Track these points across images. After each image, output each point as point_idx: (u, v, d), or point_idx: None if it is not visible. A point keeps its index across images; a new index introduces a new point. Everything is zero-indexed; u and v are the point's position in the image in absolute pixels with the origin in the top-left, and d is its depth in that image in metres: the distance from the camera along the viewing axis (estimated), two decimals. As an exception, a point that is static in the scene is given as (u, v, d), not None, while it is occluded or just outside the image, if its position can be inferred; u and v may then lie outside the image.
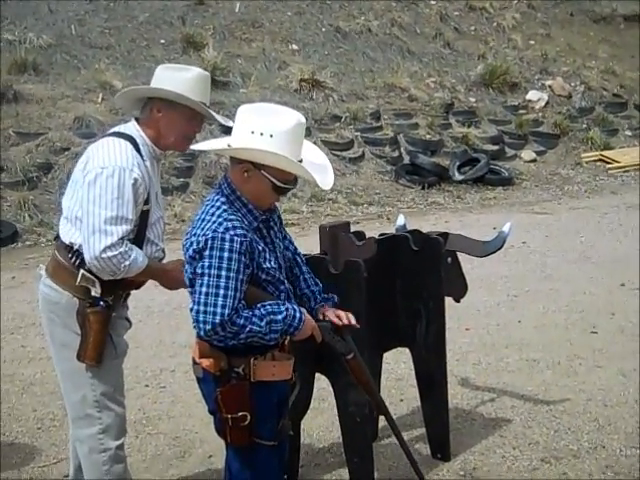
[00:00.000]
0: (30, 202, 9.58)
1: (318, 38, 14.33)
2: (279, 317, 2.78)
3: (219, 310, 2.70)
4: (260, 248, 2.81)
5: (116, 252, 3.11)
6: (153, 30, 13.25)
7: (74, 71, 11.89)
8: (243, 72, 12.98)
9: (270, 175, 2.75)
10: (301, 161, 2.79)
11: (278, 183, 2.77)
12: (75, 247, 3.25)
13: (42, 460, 4.33)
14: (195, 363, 2.90)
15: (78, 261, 3.24)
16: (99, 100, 11.27)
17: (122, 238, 3.13)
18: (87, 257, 3.14)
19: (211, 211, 2.78)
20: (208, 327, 2.71)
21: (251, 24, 14.03)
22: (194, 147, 3.16)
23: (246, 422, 2.79)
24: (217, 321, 2.70)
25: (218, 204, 2.80)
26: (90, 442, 3.37)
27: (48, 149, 10.28)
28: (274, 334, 2.79)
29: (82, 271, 3.22)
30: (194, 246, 2.74)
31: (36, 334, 5.97)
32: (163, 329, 6.28)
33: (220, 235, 2.71)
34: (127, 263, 3.14)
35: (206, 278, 2.71)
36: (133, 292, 3.48)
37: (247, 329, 2.73)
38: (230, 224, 2.73)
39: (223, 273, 2.70)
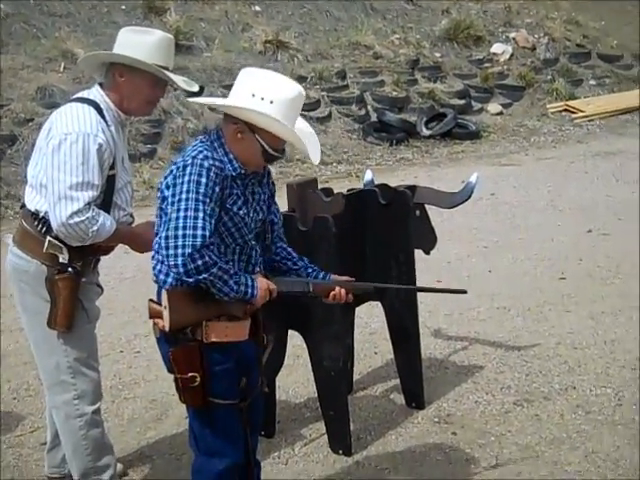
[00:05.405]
0: (-5, 175, 9.48)
1: (280, -2, 14.20)
2: (232, 281, 2.74)
3: (200, 232, 2.65)
4: (233, 192, 2.79)
5: (83, 218, 3.10)
6: (113, -5, 13.05)
7: (34, 40, 11.70)
8: (206, 36, 12.84)
9: (263, 140, 2.75)
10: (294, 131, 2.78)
11: (269, 149, 2.77)
12: (41, 214, 3.24)
13: (19, 429, 4.34)
14: (154, 324, 2.88)
15: (44, 228, 3.23)
16: (61, 69, 11.11)
17: (88, 204, 3.12)
18: (54, 224, 3.13)
19: (192, 146, 2.79)
20: (188, 251, 2.63)
21: (212, -14, 13.86)
22: (193, 100, 3.20)
23: (195, 383, 2.78)
24: (198, 244, 2.64)
25: (200, 143, 2.79)
26: (66, 408, 3.38)
27: (11, 121, 10.14)
28: (234, 290, 2.74)
29: (49, 238, 3.21)
30: (173, 172, 2.73)
31: (8, 306, 5.93)
32: (136, 295, 6.27)
33: (199, 161, 2.70)
34: (95, 228, 3.14)
35: (184, 202, 2.66)
36: (104, 259, 3.49)
37: (218, 266, 2.69)
38: (210, 154, 2.74)
39: (201, 198, 2.67)
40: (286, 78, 2.81)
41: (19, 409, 4.57)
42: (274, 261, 3.06)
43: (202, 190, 2.68)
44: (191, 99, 3.36)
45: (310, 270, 3.06)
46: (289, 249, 3.10)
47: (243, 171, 2.81)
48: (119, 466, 3.72)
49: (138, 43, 3.23)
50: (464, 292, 3.38)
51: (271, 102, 2.70)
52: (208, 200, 2.69)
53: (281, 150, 2.82)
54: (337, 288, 3.00)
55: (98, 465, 3.43)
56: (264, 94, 2.70)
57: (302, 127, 2.90)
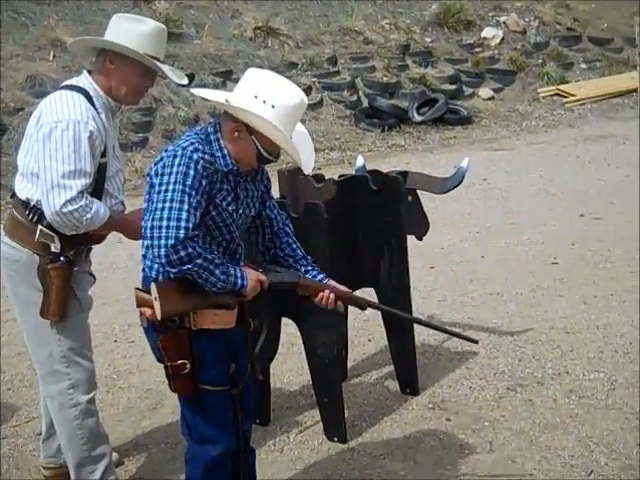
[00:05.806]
0: (-14, 165, 9.44)
1: (270, -16, 14.13)
2: (218, 271, 2.73)
3: (183, 224, 2.66)
4: (224, 187, 2.79)
5: (76, 206, 3.09)
6: (102, -18, 12.97)
7: (23, 29, 11.62)
8: (196, 23, 12.77)
9: (259, 143, 2.75)
10: (290, 139, 2.79)
11: (264, 152, 2.77)
12: (32, 203, 3.22)
13: (14, 420, 4.34)
14: (141, 313, 2.87)
15: (36, 217, 3.22)
16: (51, 58, 11.05)
17: (81, 192, 3.11)
18: (47, 213, 3.12)
19: (186, 136, 2.80)
20: (171, 242, 2.64)
21: (201, -27, 13.77)
22: (194, 91, 3.11)
23: (185, 370, 2.79)
24: (181, 235, 2.64)
25: (194, 135, 2.80)
26: (60, 398, 3.38)
27: (1, 110, 10.08)
28: (221, 280, 2.74)
29: (40, 227, 3.20)
30: (163, 160, 2.73)
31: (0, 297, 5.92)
32: (129, 284, 6.22)
33: (189, 153, 2.71)
34: (89, 216, 3.13)
35: (170, 193, 2.67)
36: (97, 249, 3.47)
37: (202, 257, 2.69)
38: (200, 146, 2.74)
39: (187, 190, 2.67)
40: (291, 84, 2.81)
41: (14, 400, 4.57)
42: (278, 256, 3.06)
43: (189, 182, 2.68)
44: (193, 90, 3.25)
45: (310, 268, 3.05)
46: (294, 246, 3.08)
47: (235, 168, 2.81)
48: (115, 455, 3.72)
49: (131, 32, 3.22)
50: (475, 342, 3.54)
51: (272, 107, 2.70)
52: (194, 192, 2.69)
53: (275, 154, 2.82)
54: (327, 291, 2.98)
55: (93, 454, 3.43)
56: (266, 97, 2.71)
57: (299, 129, 2.90)
